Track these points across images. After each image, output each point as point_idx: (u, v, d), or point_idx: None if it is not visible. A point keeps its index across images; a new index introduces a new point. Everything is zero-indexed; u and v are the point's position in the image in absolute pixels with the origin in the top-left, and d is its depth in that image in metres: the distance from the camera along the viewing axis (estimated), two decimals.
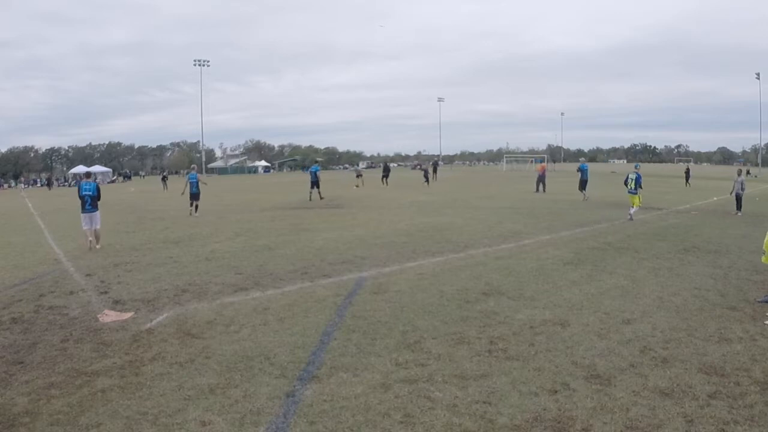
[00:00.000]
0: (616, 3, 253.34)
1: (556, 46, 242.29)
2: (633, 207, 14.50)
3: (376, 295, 6.66)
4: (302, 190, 31.93)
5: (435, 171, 40.06)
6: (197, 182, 17.21)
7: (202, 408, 3.74)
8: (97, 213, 11.02)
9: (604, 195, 24.09)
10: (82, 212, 10.92)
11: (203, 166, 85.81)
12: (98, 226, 11.02)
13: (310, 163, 54.89)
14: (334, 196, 24.53)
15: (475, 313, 5.86)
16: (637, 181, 14.70)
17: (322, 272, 8.06)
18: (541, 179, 26.44)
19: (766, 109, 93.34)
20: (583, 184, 21.72)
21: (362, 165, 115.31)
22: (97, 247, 10.76)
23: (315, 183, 22.28)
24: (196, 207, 17.02)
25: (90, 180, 11.50)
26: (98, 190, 11.20)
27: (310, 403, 3.77)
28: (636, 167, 15.87)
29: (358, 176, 36.39)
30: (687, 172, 33.76)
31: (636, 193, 14.57)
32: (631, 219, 13.97)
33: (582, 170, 21.92)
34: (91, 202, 10.91)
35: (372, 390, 3.99)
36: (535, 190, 26.09)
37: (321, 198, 22.15)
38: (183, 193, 17.49)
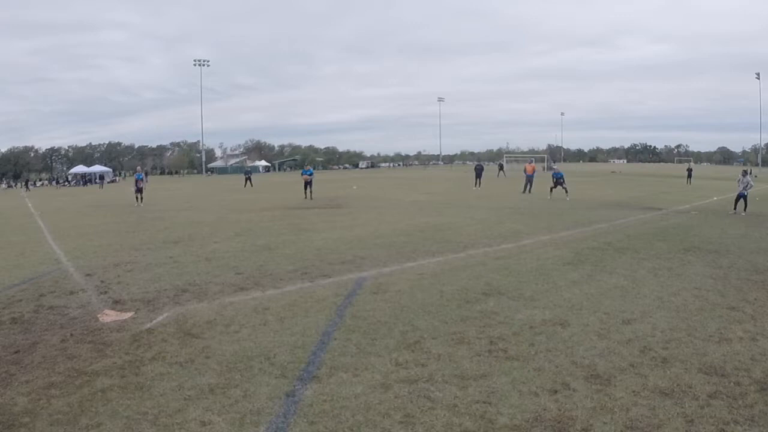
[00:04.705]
0: None
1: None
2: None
3: (376, 295, 6.66)
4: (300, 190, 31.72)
5: (479, 175, 32.94)
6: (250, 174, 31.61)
7: (202, 408, 3.74)
8: None
9: (603, 195, 24.09)
10: None
11: (203, 166, 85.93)
12: None
13: (310, 163, 57.25)
14: (334, 196, 24.51)
15: (475, 313, 5.86)
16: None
17: (322, 272, 8.06)
18: (530, 180, 25.31)
19: (766, 109, 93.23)
20: (478, 178, 31.00)
21: (362, 165, 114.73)
22: None
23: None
24: (251, 184, 30.67)
25: None
26: None
27: (310, 403, 3.77)
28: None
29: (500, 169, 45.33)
30: (689, 171, 36.27)
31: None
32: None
33: (477, 170, 32.37)
34: None
35: (372, 390, 3.99)
36: (548, 191, 24.98)
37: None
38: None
